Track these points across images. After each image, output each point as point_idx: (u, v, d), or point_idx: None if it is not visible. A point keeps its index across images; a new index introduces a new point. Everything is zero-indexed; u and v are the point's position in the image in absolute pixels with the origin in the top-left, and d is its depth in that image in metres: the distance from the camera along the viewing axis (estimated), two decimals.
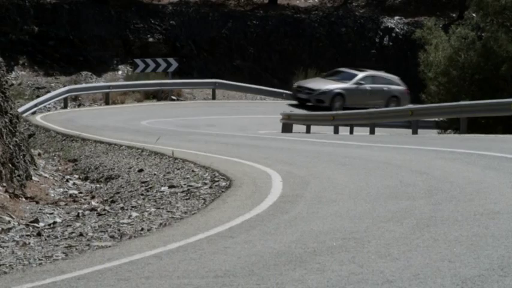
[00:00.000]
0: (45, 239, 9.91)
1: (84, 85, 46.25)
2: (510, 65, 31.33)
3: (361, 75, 43.09)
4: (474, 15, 35.96)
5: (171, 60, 48.30)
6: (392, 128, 31.12)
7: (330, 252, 7.46)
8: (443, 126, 30.92)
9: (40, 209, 12.95)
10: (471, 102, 26.69)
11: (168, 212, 10.98)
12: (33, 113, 37.98)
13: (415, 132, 28.24)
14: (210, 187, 12.68)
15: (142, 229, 9.87)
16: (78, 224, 10.93)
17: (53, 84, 47.35)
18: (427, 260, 6.97)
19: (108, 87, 45.63)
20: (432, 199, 10.11)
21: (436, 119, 30.98)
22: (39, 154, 20.45)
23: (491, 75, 31.23)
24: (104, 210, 12.20)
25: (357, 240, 7.93)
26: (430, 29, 34.88)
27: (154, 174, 15.24)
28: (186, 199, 11.90)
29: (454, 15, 53.89)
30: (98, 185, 16.13)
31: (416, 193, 10.65)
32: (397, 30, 54.12)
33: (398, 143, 18.49)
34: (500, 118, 27.68)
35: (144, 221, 10.49)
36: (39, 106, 40.07)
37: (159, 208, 11.39)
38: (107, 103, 44.83)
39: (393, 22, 54.65)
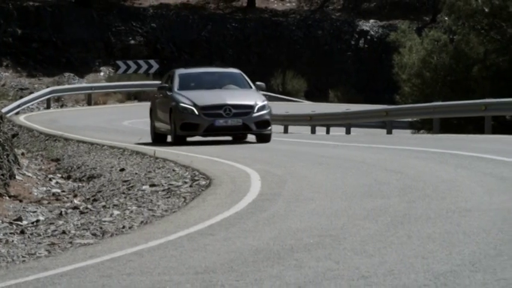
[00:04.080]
0: (29, 237, 9.88)
1: (66, 86, 46.14)
2: (481, 66, 31.46)
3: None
4: (446, 18, 36.08)
5: (152, 62, 48.23)
6: (368, 128, 31.20)
7: (307, 249, 7.47)
8: (417, 127, 31.03)
9: (23, 208, 12.91)
10: (444, 103, 26.78)
11: (149, 210, 10.96)
12: (17, 113, 37.86)
13: (389, 132, 28.33)
14: (190, 186, 12.68)
15: (123, 227, 9.86)
16: (61, 222, 10.90)
17: (36, 85, 47.19)
18: (401, 256, 6.99)
19: (91, 88, 45.54)
20: (406, 197, 10.14)
21: (410, 120, 31.07)
22: (22, 154, 20.39)
23: (463, 77, 31.34)
24: (86, 208, 12.18)
25: (333, 237, 7.95)
26: (404, 32, 34.97)
27: (136, 173, 15.21)
28: (167, 197, 11.89)
29: (427, 18, 54.07)
30: (80, 184, 16.09)
31: (391, 191, 10.67)
32: (372, 33, 54.24)
33: (373, 143, 18.54)
34: (472, 118, 27.79)
35: (125, 219, 10.47)
36: (23, 107, 39.95)
37: (140, 206, 11.38)
38: (89, 104, 44.72)
39: (368, 25, 54.76)
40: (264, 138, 19.99)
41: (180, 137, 19.92)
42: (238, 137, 20.87)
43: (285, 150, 17.65)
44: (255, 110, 19.74)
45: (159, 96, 21.40)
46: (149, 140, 21.76)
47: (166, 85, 21.00)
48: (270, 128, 20.04)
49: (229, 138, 20.79)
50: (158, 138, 21.11)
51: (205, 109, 19.73)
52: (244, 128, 19.84)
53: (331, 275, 6.43)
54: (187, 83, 20.85)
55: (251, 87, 20.86)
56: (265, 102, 20.21)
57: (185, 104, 19.87)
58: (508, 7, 33.31)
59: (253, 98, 20.17)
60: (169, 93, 20.54)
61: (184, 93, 20.28)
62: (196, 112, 19.71)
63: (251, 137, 20.34)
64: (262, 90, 21.21)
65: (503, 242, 7.39)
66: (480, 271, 6.34)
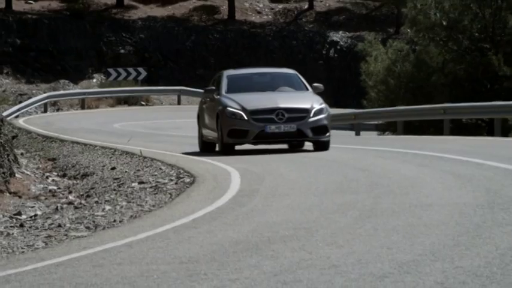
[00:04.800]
0: (27, 230, 9.83)
1: (62, 92, 45.98)
2: (440, 74, 31.60)
3: None
4: (408, 30, 36.18)
5: (140, 69, 48.12)
6: (338, 130, 31.26)
7: (282, 241, 7.47)
8: (382, 129, 31.13)
9: (22, 203, 12.85)
10: (406, 107, 26.87)
11: (138, 205, 10.94)
12: (16, 116, 37.69)
13: (358, 133, 28.39)
14: (176, 183, 12.65)
15: (114, 221, 9.83)
16: (57, 216, 10.85)
17: (34, 91, 47.01)
18: (368, 247, 6.99)
19: (84, 93, 45.40)
20: (373, 193, 10.16)
21: (376, 122, 31.16)
22: (21, 154, 20.29)
23: (424, 84, 31.47)
24: (80, 204, 12.13)
25: (307, 230, 7.95)
26: (371, 43, 35.07)
27: (126, 171, 15.18)
28: (154, 194, 11.86)
29: (391, 30, 54.19)
30: (74, 181, 16.03)
31: (359, 188, 10.69)
32: (342, 43, 54.33)
33: (343, 144, 18.56)
34: (432, 121, 27.90)
35: (116, 213, 10.44)
36: (22, 111, 39.80)
37: (130, 202, 11.35)
38: (82, 108, 44.58)
39: (338, 36, 54.84)
40: (321, 146, 16.28)
41: (227, 146, 16.40)
42: (294, 144, 17.25)
43: (262, 150, 17.65)
44: (311, 114, 16.11)
45: (206, 101, 17.76)
46: (137, 141, 21.59)
47: (213, 88, 17.37)
48: (328, 134, 16.28)
49: (283, 146, 17.42)
50: (206, 147, 17.51)
51: (255, 113, 16.18)
52: (298, 134, 16.15)
53: (304, 264, 6.43)
54: (237, 85, 17.21)
55: (307, 89, 17.19)
56: (323, 106, 16.45)
57: (233, 108, 16.30)
58: (464, 21, 33.45)
59: (309, 100, 16.46)
60: (216, 96, 16.97)
61: (233, 96, 16.70)
62: (245, 117, 16.13)
63: (308, 145, 17.06)
64: (320, 92, 17.29)
65: (460, 233, 7.41)
66: (439, 260, 6.35)
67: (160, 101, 47.98)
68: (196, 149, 17.91)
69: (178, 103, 46.55)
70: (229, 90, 16.95)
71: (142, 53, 52.53)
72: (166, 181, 12.97)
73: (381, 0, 55.62)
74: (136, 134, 25.75)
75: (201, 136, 17.80)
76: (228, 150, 16.33)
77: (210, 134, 17.06)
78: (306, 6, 57.81)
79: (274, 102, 16.32)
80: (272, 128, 16.05)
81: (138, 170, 14.98)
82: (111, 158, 17.99)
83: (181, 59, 52.69)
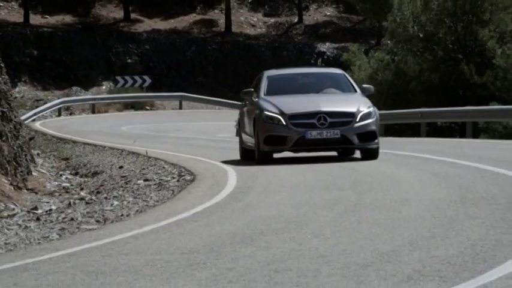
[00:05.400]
0: (43, 223, 9.82)
1: (74, 98, 45.94)
2: (417, 82, 31.67)
3: None
4: (389, 42, 36.25)
5: (145, 77, 48.10)
6: None
7: (275, 233, 7.46)
8: None
9: (39, 199, 12.83)
10: (387, 111, 26.88)
11: (143, 201, 10.92)
12: (33, 120, 37.63)
13: None
14: (178, 180, 12.64)
15: (122, 215, 9.82)
16: (69, 211, 10.84)
17: (49, 97, 46.96)
18: (353, 238, 6.99)
19: (94, 99, 45.35)
20: (357, 190, 10.16)
21: None
22: (38, 154, 20.26)
23: (403, 90, 31.53)
24: (91, 199, 12.12)
25: (297, 223, 7.95)
26: (354, 53, 35.10)
27: (132, 170, 15.16)
28: (158, 190, 11.85)
29: (373, 42, 54.22)
30: (86, 179, 16.01)
31: (344, 185, 10.69)
32: (328, 53, 54.34)
33: None
34: (410, 124, 27.93)
35: (123, 208, 10.43)
36: (38, 115, 39.73)
37: (136, 198, 11.33)
38: (93, 112, 44.53)
39: (325, 47, 54.86)
40: (369, 154, 13.68)
41: (264, 154, 13.75)
42: (343, 152, 14.60)
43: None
44: (357, 119, 13.50)
45: (246, 104, 14.93)
46: (142, 142, 21.53)
47: (251, 89, 14.71)
48: (377, 140, 13.63)
49: (331, 153, 14.71)
50: (247, 155, 14.67)
51: (294, 118, 13.56)
52: (343, 141, 13.50)
53: (295, 254, 6.43)
54: (278, 87, 14.49)
55: (355, 91, 14.47)
56: (371, 109, 13.74)
57: (270, 112, 13.70)
58: (439, 33, 33.57)
59: (355, 103, 13.81)
60: (254, 99, 14.34)
61: (272, 99, 14.06)
62: (284, 122, 13.55)
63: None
64: (370, 94, 14.60)
65: (435, 226, 7.41)
66: (417, 250, 6.35)
67: (164, 106, 47.95)
68: (230, 156, 15.73)
69: (180, 108, 46.53)
70: (268, 92, 14.35)
71: (147, 62, 52.49)
72: (169, 179, 12.95)
73: (363, 15, 55.65)
74: (142, 136, 25.72)
75: (241, 143, 14.98)
76: (265, 159, 13.71)
77: (249, 140, 14.34)
78: (296, 20, 57.85)
79: (316, 106, 13.64)
80: (313, 134, 13.40)
81: (143, 169, 14.96)
82: (118, 157, 17.97)
83: (182, 67, 52.66)
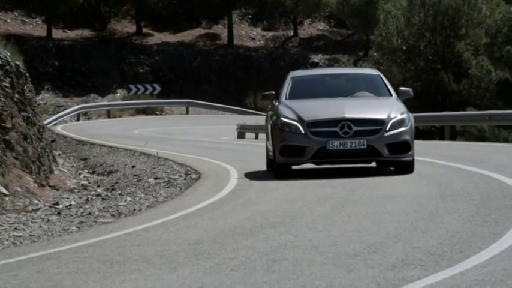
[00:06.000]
0: (63, 217, 9.81)
1: (92, 104, 45.93)
2: None
3: None
4: (375, 53, 36.23)
5: (155, 85, 48.12)
6: None
7: (272, 226, 7.45)
8: None
9: (60, 195, 12.81)
10: None
11: (154, 197, 10.91)
12: (55, 124, 37.59)
13: None
14: (185, 179, 12.62)
15: (134, 209, 9.80)
16: (87, 206, 10.82)
17: (69, 103, 46.95)
18: (343, 231, 6.99)
19: (110, 105, 45.33)
20: (347, 187, 10.14)
21: None
22: (59, 154, 20.24)
23: None
24: (107, 195, 12.10)
25: (292, 217, 7.93)
26: (344, 63, 35.05)
27: (144, 169, 15.14)
28: (167, 187, 11.83)
29: (361, 53, 54.22)
30: (102, 177, 15.99)
31: (335, 182, 10.66)
32: (321, 64, 54.31)
33: None
34: None
35: (136, 203, 10.41)
36: (59, 119, 39.71)
37: (147, 194, 11.32)
38: (108, 117, 44.50)
39: (318, 58, 54.86)
40: (402, 167, 10.92)
41: (281, 166, 11.11)
42: (380, 164, 11.47)
43: (255, 151, 17.62)
44: (388, 127, 10.75)
45: (269, 108, 12.29)
46: (153, 144, 21.50)
47: (272, 92, 12.00)
48: (410, 152, 10.85)
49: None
50: (271, 164, 11.71)
51: (314, 125, 10.82)
52: (370, 152, 10.75)
53: (290, 245, 6.42)
54: (302, 90, 11.77)
55: (391, 95, 11.64)
56: (405, 116, 10.93)
57: (287, 118, 10.98)
58: (420, 46, 33.63)
59: (387, 109, 10.98)
60: (275, 103, 11.67)
61: (293, 103, 11.35)
62: (302, 130, 10.82)
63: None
64: (407, 97, 11.79)
65: (417, 219, 7.41)
66: (400, 241, 6.35)
67: (172, 111, 47.93)
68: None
69: (187, 113, 46.51)
70: (291, 96, 11.63)
71: (157, 72, 52.49)
72: (177, 177, 12.94)
73: (352, 29, 55.72)
74: (152, 138, 25.69)
75: (267, 152, 12.13)
76: (281, 172, 11.09)
77: (270, 149, 11.64)
78: (292, 34, 57.91)
79: (340, 112, 10.85)
80: (335, 144, 10.68)
81: (154, 168, 14.94)
82: (131, 158, 17.95)
83: (189, 76, 52.66)
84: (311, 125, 10.88)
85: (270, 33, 57.95)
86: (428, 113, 25.42)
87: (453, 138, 25.54)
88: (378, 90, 11.81)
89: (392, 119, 10.86)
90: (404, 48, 34.01)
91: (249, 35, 57.71)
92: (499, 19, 32.63)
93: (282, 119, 11.08)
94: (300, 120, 10.94)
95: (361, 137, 10.73)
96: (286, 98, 11.62)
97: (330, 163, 11.35)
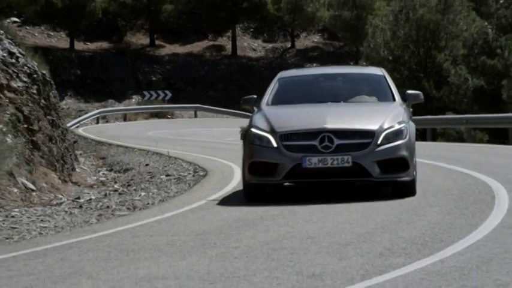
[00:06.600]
0: (84, 210, 9.81)
1: (110, 108, 45.93)
2: None
3: None
4: (364, 63, 36.17)
5: (167, 91, 48.14)
6: None
7: (272, 218, 7.45)
8: None
9: (81, 190, 12.81)
10: None
11: (165, 192, 10.90)
12: (77, 127, 37.58)
13: None
14: (193, 176, 12.61)
15: (148, 203, 9.80)
16: (105, 200, 10.82)
17: (89, 108, 46.96)
18: (335, 223, 6.98)
19: (126, 109, 45.31)
20: (338, 183, 10.10)
21: None
22: (80, 154, 20.24)
23: None
24: (123, 191, 12.10)
25: (290, 210, 7.92)
26: None
27: (156, 167, 15.13)
28: (177, 184, 11.82)
29: (351, 63, 54.20)
30: (119, 174, 15.99)
31: None
32: None
33: None
34: None
35: (149, 198, 10.41)
36: (81, 122, 39.71)
37: (159, 189, 11.32)
38: (124, 120, 44.48)
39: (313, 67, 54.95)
40: (401, 189, 8.15)
41: (252, 188, 8.33)
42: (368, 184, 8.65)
43: None
44: (380, 140, 7.96)
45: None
46: (164, 144, 21.50)
47: (253, 96, 9.13)
48: (409, 170, 8.03)
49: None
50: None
51: (287, 138, 8.05)
52: (356, 171, 7.98)
53: (288, 235, 6.41)
54: (289, 94, 8.93)
55: (394, 100, 8.77)
56: (403, 126, 8.12)
57: (259, 129, 8.21)
58: (404, 56, 33.64)
59: (381, 117, 8.16)
60: (256, 109, 8.86)
61: (274, 110, 8.54)
62: (274, 143, 8.05)
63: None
64: (416, 102, 9.11)
65: (402, 212, 7.40)
66: (387, 232, 6.34)
67: (182, 115, 47.91)
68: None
69: (195, 116, 46.51)
70: (275, 101, 8.84)
71: (168, 79, 52.52)
72: (186, 174, 12.93)
73: (344, 41, 55.73)
74: (164, 139, 25.68)
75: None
76: (253, 196, 8.35)
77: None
78: (289, 45, 57.97)
79: (320, 121, 7.97)
80: (313, 161, 7.85)
81: (165, 166, 14.93)
82: (145, 157, 17.94)
83: (197, 84, 52.67)
84: (284, 137, 7.99)
85: (270, 45, 57.99)
86: (412, 117, 25.38)
87: (434, 139, 25.53)
88: (381, 94, 8.82)
89: (385, 129, 7.96)
90: (390, 58, 34.01)
91: (251, 46, 57.75)
92: (474, 33, 32.76)
93: (253, 129, 8.19)
94: (273, 131, 8.04)
95: (346, 152, 7.85)
96: (268, 104, 8.80)
97: (308, 183, 8.73)
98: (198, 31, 57.27)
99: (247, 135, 8.25)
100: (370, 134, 7.94)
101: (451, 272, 4.75)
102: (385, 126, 8.02)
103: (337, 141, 7.87)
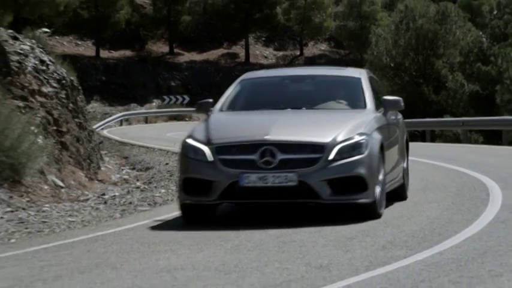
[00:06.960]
0: (109, 205, 9.83)
1: (132, 111, 46.06)
2: None
3: None
4: (368, 70, 36.10)
5: (185, 96, 48.23)
6: None
7: (283, 213, 7.43)
8: None
9: (106, 187, 12.85)
10: None
11: None
12: (102, 128, 37.71)
13: None
14: None
15: (167, 199, 9.82)
16: (128, 197, 10.85)
17: (113, 111, 47.12)
18: (342, 218, 6.96)
19: (147, 113, 45.43)
20: None
21: None
22: (105, 153, 20.30)
23: None
24: (145, 188, 12.12)
25: (300, 205, 7.90)
26: None
27: (175, 166, 15.15)
28: None
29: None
30: (140, 173, 16.02)
31: None
32: None
33: None
34: None
35: (169, 195, 10.42)
36: (105, 124, 39.86)
37: None
38: (146, 122, 44.60)
39: None
40: (360, 213, 6.40)
41: (187, 208, 6.66)
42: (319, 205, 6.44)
43: None
44: (332, 155, 6.14)
45: None
46: None
47: (210, 100, 7.50)
48: (367, 192, 6.23)
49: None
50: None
51: (224, 151, 6.29)
52: (303, 191, 6.18)
53: (298, 229, 6.40)
54: (249, 98, 7.28)
55: (365, 107, 6.92)
56: (363, 138, 6.24)
57: (195, 140, 6.53)
58: (405, 63, 33.58)
59: (338, 127, 6.31)
60: (208, 114, 7.18)
61: (223, 117, 6.97)
62: (209, 157, 6.31)
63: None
64: (395, 109, 7.50)
65: (403, 208, 7.38)
66: (389, 226, 6.32)
67: (198, 118, 48.01)
68: None
69: None
70: (232, 106, 7.26)
71: (187, 85, 52.64)
72: None
73: (349, 49, 55.68)
74: (180, 141, 25.71)
75: None
76: (189, 217, 6.77)
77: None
78: (298, 53, 57.99)
79: (262, 131, 6.33)
80: (252, 178, 6.23)
81: None
82: (165, 156, 17.96)
83: (212, 89, 52.77)
84: (220, 150, 6.31)
85: (280, 53, 58.02)
86: (412, 119, 25.36)
87: (433, 140, 25.48)
88: (353, 100, 7.07)
89: (339, 142, 6.23)
90: (392, 65, 33.99)
91: (263, 54, 57.78)
92: (470, 41, 32.72)
93: (188, 140, 6.59)
94: (209, 143, 6.39)
95: (290, 169, 6.16)
96: (222, 109, 7.19)
97: (246, 204, 6.97)
98: (214, 40, 57.38)
99: (181, 147, 6.61)
100: (320, 148, 6.16)
101: (449, 263, 4.74)
102: (340, 139, 6.24)
103: (280, 156, 6.14)
